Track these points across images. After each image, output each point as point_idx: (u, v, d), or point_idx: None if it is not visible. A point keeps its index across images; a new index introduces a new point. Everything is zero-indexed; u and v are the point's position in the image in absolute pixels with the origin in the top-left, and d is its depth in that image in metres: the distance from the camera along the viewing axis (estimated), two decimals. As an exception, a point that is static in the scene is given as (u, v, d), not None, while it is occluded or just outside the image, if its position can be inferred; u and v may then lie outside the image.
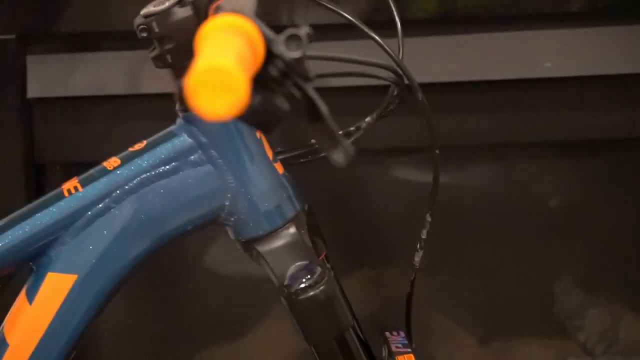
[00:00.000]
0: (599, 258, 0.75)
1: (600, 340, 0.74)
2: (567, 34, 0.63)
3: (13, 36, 0.59)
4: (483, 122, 0.63)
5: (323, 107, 0.25)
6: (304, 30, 0.25)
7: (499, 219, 0.71)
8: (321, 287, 0.39)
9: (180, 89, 0.35)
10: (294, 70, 0.25)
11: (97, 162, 0.63)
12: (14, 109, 0.60)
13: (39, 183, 0.64)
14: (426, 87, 0.41)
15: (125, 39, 0.62)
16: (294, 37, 0.25)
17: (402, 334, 0.50)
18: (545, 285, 0.76)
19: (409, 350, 0.47)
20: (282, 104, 0.25)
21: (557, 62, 0.62)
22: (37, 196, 0.65)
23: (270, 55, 0.25)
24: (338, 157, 0.27)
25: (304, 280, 0.39)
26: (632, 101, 0.66)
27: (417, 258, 0.48)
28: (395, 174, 0.69)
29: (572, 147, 0.70)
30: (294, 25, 0.26)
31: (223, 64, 0.21)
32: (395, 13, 0.45)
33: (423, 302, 0.69)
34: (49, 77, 0.61)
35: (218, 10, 0.31)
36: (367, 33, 0.41)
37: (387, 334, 0.51)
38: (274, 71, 0.25)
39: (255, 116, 0.26)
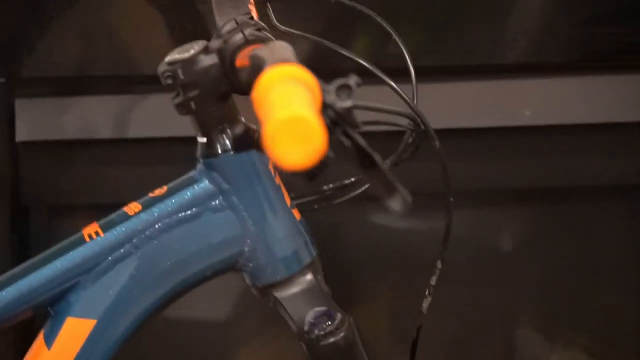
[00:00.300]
0: (558, 303, 0.79)
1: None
2: (547, 83, 0.68)
3: (2, 80, 0.59)
4: (462, 168, 0.66)
5: (376, 156, 0.26)
6: (353, 80, 0.26)
7: (464, 264, 0.74)
8: (342, 334, 0.40)
9: (209, 135, 0.38)
10: (345, 119, 0.25)
11: (83, 205, 0.64)
12: (2, 151, 0.60)
13: (22, 225, 0.64)
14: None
15: (112, 83, 0.65)
16: (344, 87, 0.26)
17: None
18: (506, 331, 0.81)
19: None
20: (330, 152, 0.25)
21: (536, 111, 0.67)
22: (20, 238, 0.65)
23: (322, 105, 0.26)
24: (395, 204, 0.26)
25: (324, 326, 0.40)
26: (609, 149, 0.71)
27: (425, 304, 0.48)
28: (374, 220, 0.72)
29: (542, 193, 0.74)
30: (343, 75, 0.26)
31: (303, 114, 0.22)
32: (408, 61, 0.45)
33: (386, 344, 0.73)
34: (37, 120, 0.61)
35: (258, 60, 0.30)
36: (383, 79, 0.41)
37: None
38: (325, 120, 0.25)
39: None
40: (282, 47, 0.30)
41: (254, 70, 0.29)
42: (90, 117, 0.63)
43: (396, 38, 0.46)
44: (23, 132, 0.60)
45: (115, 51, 0.63)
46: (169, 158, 0.64)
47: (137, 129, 0.63)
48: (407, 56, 0.45)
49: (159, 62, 0.39)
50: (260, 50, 0.31)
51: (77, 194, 0.63)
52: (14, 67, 0.61)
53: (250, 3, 0.42)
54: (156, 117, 0.62)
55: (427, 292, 0.47)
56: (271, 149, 0.21)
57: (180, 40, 0.38)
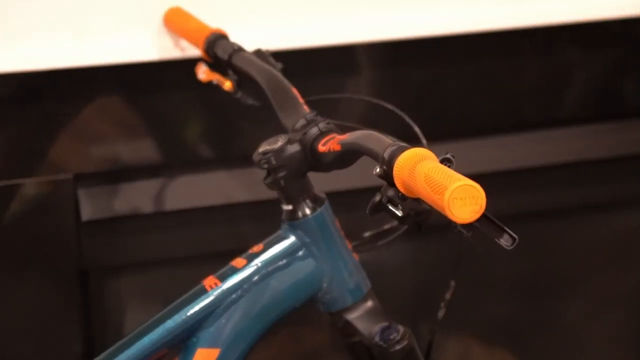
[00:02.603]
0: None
1: None
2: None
3: (70, 176, 0.72)
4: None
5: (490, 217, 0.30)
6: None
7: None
8: (406, 342, 0.50)
9: (294, 204, 0.47)
10: None
11: (133, 264, 0.77)
12: (71, 229, 0.74)
13: (83, 285, 0.77)
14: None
15: (148, 171, 0.79)
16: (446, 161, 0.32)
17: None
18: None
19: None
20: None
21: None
22: (83, 297, 0.77)
23: None
24: (506, 242, 0.31)
25: (391, 337, 0.50)
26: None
27: (440, 316, 0.59)
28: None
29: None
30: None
31: (472, 182, 0.28)
32: (419, 132, 0.56)
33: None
34: (96, 203, 0.75)
35: (351, 144, 0.40)
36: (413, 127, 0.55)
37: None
38: None
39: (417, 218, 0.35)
40: (376, 134, 0.39)
41: (351, 153, 0.41)
42: (135, 197, 0.77)
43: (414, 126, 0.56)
44: (86, 214, 0.73)
45: (148, 145, 0.78)
46: (199, 224, 0.79)
47: (172, 203, 0.78)
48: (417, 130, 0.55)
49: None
50: (349, 138, 0.41)
51: (127, 257, 0.78)
52: (77, 166, 0.75)
53: (305, 103, 0.51)
54: (184, 193, 0.78)
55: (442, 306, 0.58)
56: (450, 209, 0.28)
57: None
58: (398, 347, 0.51)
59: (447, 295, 0.58)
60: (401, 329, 0.51)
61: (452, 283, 0.58)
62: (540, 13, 0.79)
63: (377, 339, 0.52)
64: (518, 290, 0.98)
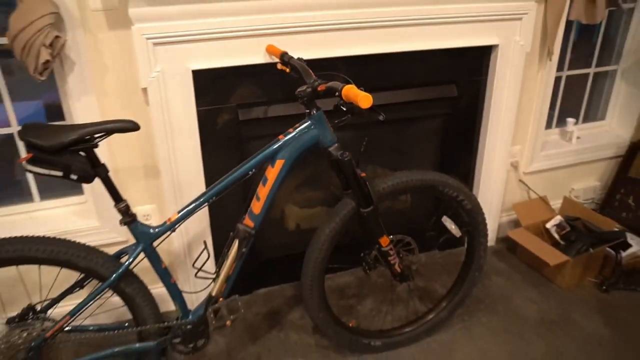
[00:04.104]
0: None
1: None
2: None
3: (235, 104, 1.98)
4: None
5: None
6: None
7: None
8: (349, 157, 1.56)
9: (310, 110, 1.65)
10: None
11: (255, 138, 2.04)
12: (236, 123, 1.99)
13: (241, 148, 2.03)
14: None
15: (262, 105, 2.05)
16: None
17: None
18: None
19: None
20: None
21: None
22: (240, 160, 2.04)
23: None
24: (381, 117, 1.44)
25: (345, 155, 1.57)
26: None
27: (361, 151, 1.72)
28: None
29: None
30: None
31: (366, 93, 1.23)
32: (348, 79, 1.83)
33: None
34: (242, 113, 2.00)
35: (332, 87, 1.36)
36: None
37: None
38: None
39: None
40: (337, 83, 1.33)
41: (329, 89, 1.35)
42: (257, 112, 2.03)
43: None
44: (242, 115, 1.99)
45: (260, 93, 2.02)
46: (282, 125, 2.03)
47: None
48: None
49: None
50: (329, 85, 1.36)
51: (253, 132, 2.03)
52: (237, 101, 1.98)
53: (313, 75, 1.51)
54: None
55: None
56: (359, 103, 1.20)
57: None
58: (347, 159, 1.51)
59: (364, 143, 1.63)
60: (347, 153, 1.49)
61: (366, 138, 1.64)
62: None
63: (339, 156, 1.50)
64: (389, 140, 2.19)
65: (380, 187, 1.72)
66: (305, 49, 1.90)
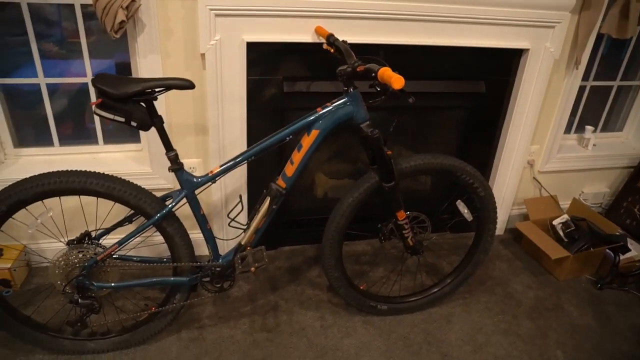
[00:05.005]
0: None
1: None
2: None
3: (281, 77, 2.00)
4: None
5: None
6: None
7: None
8: (378, 135, 1.66)
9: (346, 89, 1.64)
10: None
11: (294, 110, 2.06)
12: (281, 95, 2.02)
13: (282, 118, 2.06)
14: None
15: (305, 80, 2.08)
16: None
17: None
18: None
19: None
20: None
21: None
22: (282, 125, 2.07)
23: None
24: (411, 100, 1.58)
25: (374, 132, 1.63)
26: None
27: (390, 130, 1.69)
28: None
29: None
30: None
31: (399, 75, 1.25)
32: (384, 62, 1.82)
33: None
34: (287, 86, 2.02)
35: (371, 68, 1.35)
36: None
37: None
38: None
39: None
40: (374, 65, 1.33)
41: (369, 70, 1.34)
42: (300, 86, 2.05)
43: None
44: (286, 89, 2.02)
45: (307, 68, 2.03)
46: (321, 99, 2.04)
47: (315, 87, 2.05)
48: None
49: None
50: (368, 66, 1.35)
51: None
52: (283, 74, 2.00)
53: (354, 55, 1.49)
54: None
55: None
56: (392, 82, 1.21)
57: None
58: (376, 136, 1.54)
59: (394, 124, 1.67)
60: (377, 131, 1.51)
61: (395, 120, 1.67)
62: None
63: (369, 133, 1.52)
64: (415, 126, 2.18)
65: (403, 166, 1.72)
66: (350, 33, 1.90)
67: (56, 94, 2.02)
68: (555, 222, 2.55)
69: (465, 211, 2.01)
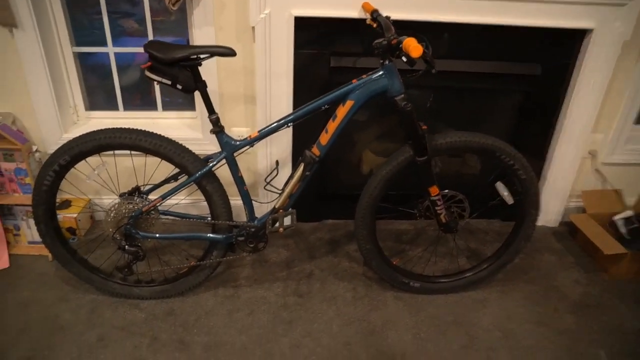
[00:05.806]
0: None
1: None
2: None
3: (328, 52, 2.06)
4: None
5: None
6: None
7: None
8: (410, 107, 1.71)
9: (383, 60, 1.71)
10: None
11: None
12: (328, 69, 2.08)
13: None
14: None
15: (351, 54, 2.12)
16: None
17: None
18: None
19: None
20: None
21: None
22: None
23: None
24: (434, 69, 1.46)
25: (408, 105, 1.69)
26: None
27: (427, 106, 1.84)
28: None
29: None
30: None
31: (420, 45, 1.34)
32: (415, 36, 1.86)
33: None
34: (334, 60, 2.08)
35: (400, 40, 1.43)
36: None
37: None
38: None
39: None
40: (405, 37, 1.38)
41: (399, 42, 1.39)
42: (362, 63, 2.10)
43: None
44: (332, 64, 2.07)
45: (353, 45, 2.07)
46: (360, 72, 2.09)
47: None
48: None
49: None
50: (399, 39, 1.39)
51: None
52: (330, 50, 2.07)
53: (392, 28, 1.53)
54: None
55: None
56: (410, 51, 1.30)
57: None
58: (408, 109, 1.57)
59: (430, 99, 1.79)
60: (410, 104, 1.55)
61: (432, 95, 1.77)
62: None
63: (403, 106, 1.58)
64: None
65: (439, 142, 1.72)
66: (396, 10, 1.91)
67: (130, 68, 2.22)
68: (616, 218, 2.40)
69: (505, 193, 1.97)
